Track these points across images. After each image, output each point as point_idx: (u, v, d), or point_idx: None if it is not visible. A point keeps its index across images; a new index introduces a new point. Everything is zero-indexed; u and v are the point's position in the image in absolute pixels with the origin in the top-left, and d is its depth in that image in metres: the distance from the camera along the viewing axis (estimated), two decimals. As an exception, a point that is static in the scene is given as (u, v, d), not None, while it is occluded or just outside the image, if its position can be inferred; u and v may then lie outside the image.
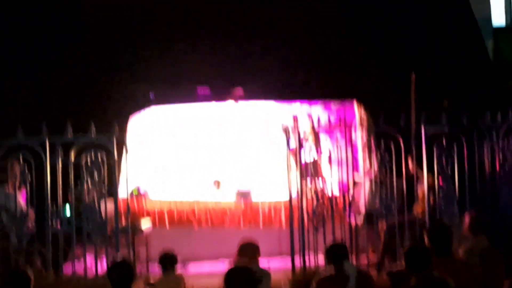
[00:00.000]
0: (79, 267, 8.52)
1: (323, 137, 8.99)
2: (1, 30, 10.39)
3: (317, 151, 9.02)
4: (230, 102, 11.22)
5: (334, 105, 11.84)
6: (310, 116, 9.04)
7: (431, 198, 8.89)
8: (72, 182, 8.25)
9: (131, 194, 10.17)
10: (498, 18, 15.90)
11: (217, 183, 11.25)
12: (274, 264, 9.94)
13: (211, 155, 12.38)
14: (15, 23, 10.44)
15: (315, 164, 8.81)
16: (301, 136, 8.85)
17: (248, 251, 6.95)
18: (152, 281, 6.73)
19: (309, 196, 8.80)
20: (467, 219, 7.12)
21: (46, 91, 9.97)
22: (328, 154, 8.80)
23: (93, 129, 8.19)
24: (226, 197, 11.17)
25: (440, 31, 11.38)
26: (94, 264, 8.39)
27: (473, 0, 12.39)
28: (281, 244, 10.54)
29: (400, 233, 8.68)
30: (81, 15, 10.58)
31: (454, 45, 11.30)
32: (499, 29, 15.62)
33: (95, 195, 8.19)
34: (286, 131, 9.04)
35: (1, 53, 10.21)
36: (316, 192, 8.73)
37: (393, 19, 11.35)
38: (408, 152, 8.96)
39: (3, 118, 9.22)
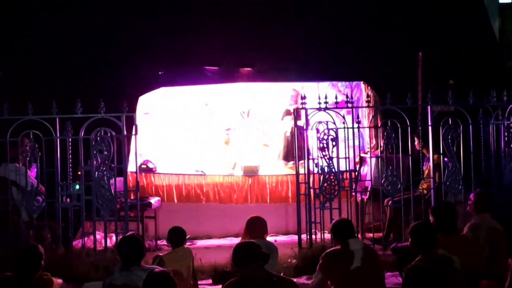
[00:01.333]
0: (88, 242, 8.66)
1: (330, 115, 9.00)
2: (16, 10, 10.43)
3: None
4: (238, 82, 11.27)
5: (341, 85, 11.94)
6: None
7: (437, 176, 8.98)
8: (82, 158, 8.35)
9: (140, 169, 10.26)
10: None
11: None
12: (281, 239, 10.15)
13: (218, 132, 12.52)
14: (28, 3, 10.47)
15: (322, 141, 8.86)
16: (308, 113, 8.93)
17: (256, 226, 7.07)
18: (161, 255, 6.81)
19: (315, 172, 8.88)
20: (472, 197, 7.20)
21: (56, 70, 10.00)
22: (335, 131, 8.84)
23: (103, 106, 8.27)
24: (234, 172, 11.29)
25: (446, 10, 11.35)
26: (103, 238, 8.54)
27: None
28: (288, 220, 10.71)
29: (405, 209, 8.79)
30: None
31: (460, 24, 11.27)
32: (505, 7, 15.59)
33: (104, 171, 8.29)
34: (294, 109, 9.12)
35: (12, 32, 10.24)
36: (322, 168, 8.81)
37: (400, 0, 11.33)
38: (414, 130, 9.04)
39: (14, 95, 9.27)
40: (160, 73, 10.36)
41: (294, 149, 9.29)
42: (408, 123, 8.79)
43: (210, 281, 8.03)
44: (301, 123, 9.39)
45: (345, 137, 8.99)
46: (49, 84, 9.72)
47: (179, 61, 10.43)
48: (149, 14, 10.60)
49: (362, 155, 10.27)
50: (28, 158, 8.30)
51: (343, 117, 9.12)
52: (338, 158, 8.83)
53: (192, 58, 10.47)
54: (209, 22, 10.63)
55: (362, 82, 11.22)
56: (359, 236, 9.09)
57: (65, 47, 10.15)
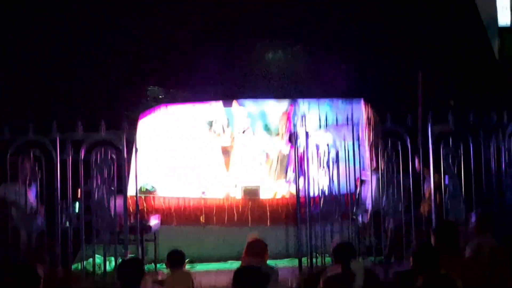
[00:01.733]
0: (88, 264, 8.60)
1: (330, 135, 8.99)
2: (20, 31, 10.46)
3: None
4: (238, 102, 11.28)
5: (342, 104, 11.93)
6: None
7: (438, 197, 8.93)
8: (82, 179, 8.31)
9: (140, 191, 10.22)
10: (503, 18, 15.93)
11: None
12: (282, 263, 10.07)
13: (218, 152, 12.47)
14: (32, 26, 10.50)
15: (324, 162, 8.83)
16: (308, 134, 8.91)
17: (257, 249, 7.01)
18: (160, 278, 6.75)
19: (316, 194, 8.84)
20: (473, 218, 7.15)
21: (58, 90, 10.02)
22: (335, 153, 8.81)
23: (103, 126, 8.25)
24: (234, 194, 11.24)
25: (446, 31, 11.41)
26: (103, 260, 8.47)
27: (479, 0, 12.41)
28: (289, 243, 10.63)
29: (406, 231, 8.73)
30: (93, 16, 10.63)
31: (461, 45, 11.32)
32: (504, 29, 15.64)
33: (104, 192, 8.24)
34: (294, 131, 9.11)
35: (15, 54, 10.27)
36: (323, 190, 8.77)
37: (400, 19, 11.38)
38: (415, 151, 9.01)
39: (15, 115, 9.27)
40: (160, 96, 10.38)
41: (295, 169, 9.24)
42: (409, 143, 8.76)
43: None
44: (301, 143, 9.36)
45: (345, 157, 8.95)
46: (50, 104, 9.72)
47: (181, 81, 10.45)
48: (152, 36, 10.65)
49: (363, 178, 10.22)
50: (28, 178, 8.26)
51: (344, 137, 9.09)
52: (338, 178, 8.78)
53: (194, 76, 10.48)
54: (211, 43, 10.65)
55: (362, 102, 11.21)
56: (360, 258, 9.03)
57: (67, 67, 10.17)
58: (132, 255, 6.91)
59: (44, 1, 10.71)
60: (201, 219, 10.74)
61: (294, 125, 11.41)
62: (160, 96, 10.37)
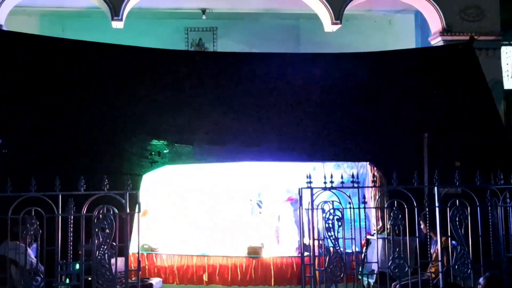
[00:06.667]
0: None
1: (336, 195, 8.90)
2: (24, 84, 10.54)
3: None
4: (243, 161, 11.25)
5: (347, 166, 11.89)
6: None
7: (445, 259, 8.78)
8: (83, 237, 8.21)
9: (142, 249, 10.10)
10: (509, 83, 16.06)
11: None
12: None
13: (221, 211, 12.39)
14: (39, 79, 10.59)
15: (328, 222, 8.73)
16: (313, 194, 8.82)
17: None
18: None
19: (321, 254, 8.71)
20: (481, 281, 7.02)
21: (60, 146, 10.03)
22: (341, 212, 8.71)
23: (106, 183, 8.19)
24: (237, 252, 11.12)
25: (452, 93, 11.46)
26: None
27: (484, 63, 12.50)
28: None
29: (413, 293, 8.56)
30: (99, 73, 10.74)
31: (466, 107, 11.35)
32: (510, 92, 15.72)
33: (105, 250, 8.13)
34: (299, 190, 9.04)
35: (19, 109, 10.32)
36: (328, 249, 8.64)
37: (405, 83, 11.44)
38: (421, 211, 8.90)
39: (17, 172, 9.24)
40: (165, 151, 10.37)
41: (299, 230, 9.13)
42: (415, 204, 8.66)
43: None
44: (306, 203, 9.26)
45: (351, 217, 8.85)
46: (53, 161, 9.69)
47: (184, 139, 10.46)
48: (154, 92, 10.73)
49: (368, 237, 10.10)
50: (28, 237, 8.16)
51: (349, 197, 9.00)
52: (344, 238, 8.66)
53: (197, 136, 10.50)
54: (214, 101, 10.72)
55: (368, 163, 11.17)
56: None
57: (69, 123, 10.20)
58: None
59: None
60: (204, 278, 10.58)
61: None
62: (165, 151, 10.34)
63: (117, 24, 13.68)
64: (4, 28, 13.05)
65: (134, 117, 10.53)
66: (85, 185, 8.15)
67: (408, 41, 15.49)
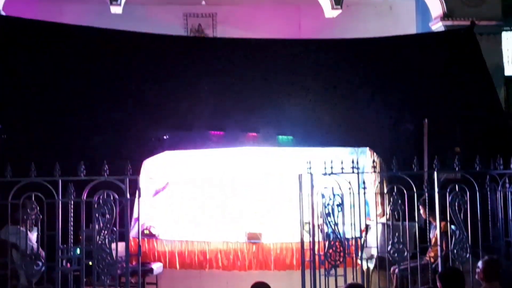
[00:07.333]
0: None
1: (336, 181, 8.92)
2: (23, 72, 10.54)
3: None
4: (243, 147, 11.26)
5: (347, 150, 11.88)
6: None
7: (444, 243, 8.82)
8: (84, 222, 8.23)
9: (143, 234, 10.14)
10: (509, 69, 16.05)
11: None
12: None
13: (223, 196, 12.41)
14: (39, 65, 10.59)
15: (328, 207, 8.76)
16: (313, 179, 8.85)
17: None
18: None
19: (321, 239, 8.75)
20: (480, 265, 7.04)
21: (60, 131, 10.04)
22: (341, 197, 8.74)
23: (106, 168, 8.20)
24: (237, 238, 11.15)
25: (452, 78, 11.45)
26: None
27: (485, 49, 12.47)
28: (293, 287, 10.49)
29: (412, 278, 8.59)
30: (101, 62, 10.74)
31: (467, 92, 11.34)
32: (510, 79, 15.70)
33: (106, 235, 8.16)
34: (299, 176, 9.07)
35: (18, 94, 10.32)
36: (328, 235, 8.67)
37: (406, 68, 11.42)
38: (420, 197, 8.93)
39: (17, 156, 9.25)
40: (164, 137, 10.39)
41: (300, 215, 9.15)
42: (415, 190, 8.68)
43: None
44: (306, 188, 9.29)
45: (351, 203, 8.88)
46: (53, 146, 9.71)
47: (184, 125, 10.47)
48: (153, 78, 10.72)
49: (368, 222, 10.12)
50: (29, 221, 8.19)
51: (349, 183, 9.02)
52: (343, 224, 8.70)
53: (197, 122, 10.51)
54: (214, 87, 10.72)
55: (368, 149, 11.18)
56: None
57: (69, 108, 10.21)
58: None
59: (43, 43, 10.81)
60: (204, 264, 10.62)
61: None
62: (165, 137, 10.36)
63: (115, 10, 13.66)
64: (2, 13, 13.05)
65: (133, 103, 10.52)
66: (85, 170, 8.18)
67: (408, 26, 15.44)
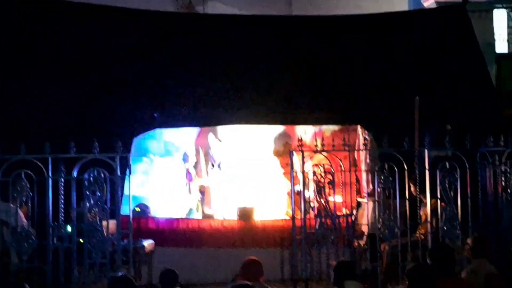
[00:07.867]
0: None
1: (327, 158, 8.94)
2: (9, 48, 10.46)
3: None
4: (233, 125, 11.25)
5: (338, 128, 11.90)
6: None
7: (434, 221, 8.86)
8: (75, 199, 8.21)
9: (134, 212, 10.14)
10: (501, 46, 16.05)
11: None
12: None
13: (214, 174, 12.41)
14: (23, 42, 10.51)
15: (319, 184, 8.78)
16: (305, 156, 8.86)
17: (252, 269, 6.93)
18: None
19: (312, 216, 8.79)
20: (469, 242, 7.09)
21: (50, 109, 10.00)
22: (331, 175, 8.76)
23: (97, 146, 8.17)
24: (229, 215, 11.17)
25: (444, 55, 11.43)
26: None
27: (477, 27, 12.44)
28: (284, 266, 10.53)
29: (402, 254, 8.64)
30: (90, 38, 10.66)
31: (458, 70, 11.32)
32: (502, 57, 15.71)
33: (97, 212, 8.15)
34: (290, 153, 9.09)
35: (7, 71, 10.26)
36: (319, 212, 8.71)
37: (397, 45, 11.40)
38: (411, 174, 8.95)
39: (6, 134, 9.21)
40: (155, 115, 10.37)
41: (291, 193, 9.17)
42: (406, 167, 8.70)
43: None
44: (297, 166, 9.30)
45: (341, 180, 8.90)
46: (43, 123, 9.67)
47: (174, 103, 10.46)
48: (144, 55, 10.68)
49: (359, 199, 10.16)
50: (19, 199, 8.16)
51: (340, 160, 9.03)
52: (334, 201, 8.73)
53: (188, 100, 10.49)
54: (206, 64, 10.69)
55: (359, 126, 11.19)
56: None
57: (59, 86, 10.15)
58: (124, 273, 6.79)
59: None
60: (197, 241, 10.64)
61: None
62: (155, 115, 10.33)
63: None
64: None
65: (124, 80, 10.48)
66: (75, 148, 8.14)
67: (400, 3, 15.39)
